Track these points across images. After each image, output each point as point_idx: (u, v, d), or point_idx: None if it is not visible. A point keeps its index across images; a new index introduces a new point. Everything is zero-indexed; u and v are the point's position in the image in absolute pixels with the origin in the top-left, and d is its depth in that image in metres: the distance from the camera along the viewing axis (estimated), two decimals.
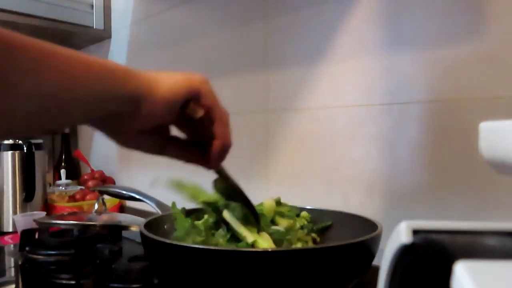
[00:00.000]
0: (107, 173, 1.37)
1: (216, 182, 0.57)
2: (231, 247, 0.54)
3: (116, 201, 1.17)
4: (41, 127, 0.40)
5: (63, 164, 1.40)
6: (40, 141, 1.14)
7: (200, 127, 0.47)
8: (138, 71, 0.42)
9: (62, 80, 0.36)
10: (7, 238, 0.96)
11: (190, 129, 0.49)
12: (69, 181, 1.29)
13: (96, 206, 0.89)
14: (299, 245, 0.58)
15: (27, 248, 0.75)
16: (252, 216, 0.56)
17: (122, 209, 1.22)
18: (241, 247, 0.52)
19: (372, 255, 0.50)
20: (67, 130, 1.45)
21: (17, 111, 0.35)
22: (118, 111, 0.41)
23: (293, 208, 0.65)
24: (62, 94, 0.36)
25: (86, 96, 0.38)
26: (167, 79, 0.43)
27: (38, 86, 0.35)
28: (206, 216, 0.60)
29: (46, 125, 0.40)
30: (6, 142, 1.08)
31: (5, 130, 0.37)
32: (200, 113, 0.45)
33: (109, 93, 0.40)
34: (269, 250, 0.48)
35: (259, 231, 0.55)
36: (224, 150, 0.48)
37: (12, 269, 0.74)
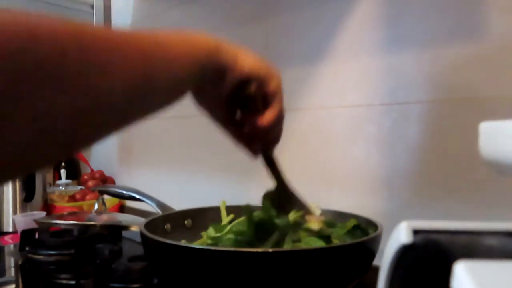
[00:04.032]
0: (107, 173, 1.37)
1: (265, 196, 0.57)
2: (231, 247, 0.54)
3: (116, 201, 1.17)
4: (125, 121, 0.34)
5: (63, 164, 1.40)
6: None
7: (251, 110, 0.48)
8: (222, 42, 0.43)
9: (145, 66, 0.33)
10: (7, 238, 0.96)
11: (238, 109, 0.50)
12: (69, 181, 1.29)
13: (96, 206, 0.89)
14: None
15: (27, 248, 0.75)
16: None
17: (122, 209, 1.22)
18: (242, 248, 0.52)
19: (372, 255, 0.50)
20: None
21: (103, 106, 0.30)
22: (207, 82, 0.43)
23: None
24: (146, 81, 0.33)
25: (182, 76, 0.38)
26: (249, 55, 0.46)
27: (115, 79, 0.30)
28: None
29: (132, 118, 0.35)
30: None
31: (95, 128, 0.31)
32: (253, 89, 0.46)
33: (199, 68, 0.40)
34: (269, 250, 0.48)
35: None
36: (270, 129, 0.48)
37: (12, 269, 0.74)
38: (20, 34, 0.23)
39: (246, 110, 0.49)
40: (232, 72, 0.44)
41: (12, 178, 0.31)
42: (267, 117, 0.47)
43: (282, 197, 0.57)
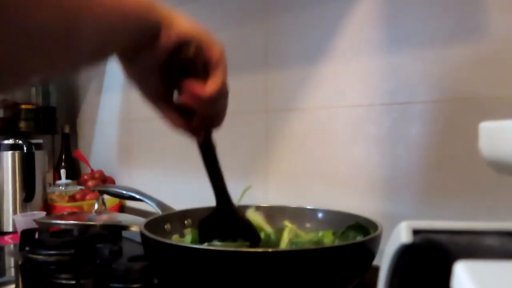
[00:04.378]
0: (107, 173, 1.37)
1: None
2: (232, 247, 0.54)
3: (116, 201, 1.17)
4: (58, 62, 0.33)
5: (63, 164, 1.40)
6: (40, 141, 1.14)
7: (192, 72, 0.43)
8: (159, 5, 0.40)
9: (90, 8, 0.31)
10: (7, 238, 0.96)
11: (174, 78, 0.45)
12: (69, 181, 1.29)
13: (96, 206, 0.89)
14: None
15: (27, 248, 0.75)
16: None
17: (122, 209, 1.22)
18: (242, 248, 0.52)
19: (372, 255, 0.50)
20: (66, 130, 1.45)
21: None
22: (139, 42, 0.40)
23: None
24: (86, 20, 0.32)
25: (110, 25, 0.35)
26: (186, 18, 0.43)
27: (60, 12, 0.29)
28: None
29: (56, 57, 0.33)
30: (6, 142, 1.08)
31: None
32: (192, 51, 0.42)
33: (134, 23, 0.38)
34: (269, 250, 0.48)
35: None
36: (212, 102, 0.43)
37: (12, 269, 0.74)
38: None
39: (184, 79, 0.43)
40: (168, 32, 0.40)
41: None
42: (209, 86, 0.43)
43: (223, 218, 0.52)
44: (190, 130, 0.47)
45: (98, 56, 0.38)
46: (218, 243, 0.54)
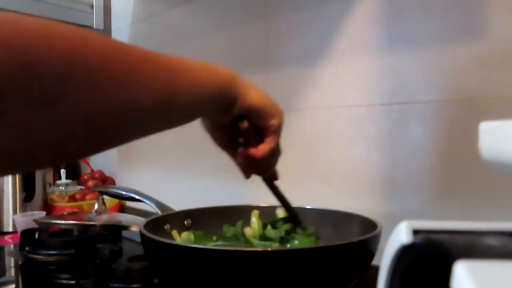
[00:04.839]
0: (107, 173, 1.37)
1: None
2: (232, 247, 0.54)
3: (116, 201, 1.17)
4: (136, 135, 0.38)
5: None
6: None
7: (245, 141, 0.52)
8: (237, 76, 0.47)
9: (167, 85, 0.36)
10: (7, 238, 0.96)
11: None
12: (69, 181, 1.29)
13: (96, 206, 0.89)
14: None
15: (27, 248, 0.75)
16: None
17: (122, 209, 1.22)
18: (241, 247, 0.52)
19: (371, 255, 0.50)
20: None
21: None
22: (218, 109, 0.47)
23: None
24: (166, 97, 0.36)
25: (200, 99, 0.42)
26: (258, 91, 0.50)
27: (133, 92, 0.33)
28: None
29: (151, 128, 0.38)
30: None
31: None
32: (246, 125, 0.50)
33: (218, 96, 0.44)
34: (269, 249, 0.48)
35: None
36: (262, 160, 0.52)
37: (12, 269, 0.74)
38: (75, 41, 0.29)
39: (244, 138, 0.52)
40: (242, 103, 0.47)
41: (45, 166, 0.36)
42: (259, 150, 0.51)
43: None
44: (244, 173, 0.55)
45: (185, 122, 0.43)
46: (221, 243, 0.55)
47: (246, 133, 0.50)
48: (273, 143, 0.51)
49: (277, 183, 0.59)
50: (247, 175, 0.55)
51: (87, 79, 0.29)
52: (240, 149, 0.52)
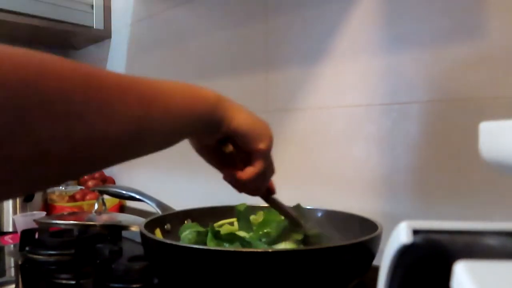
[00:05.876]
0: (107, 173, 1.37)
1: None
2: (232, 247, 0.54)
3: (116, 201, 1.17)
4: (119, 159, 0.37)
5: None
6: None
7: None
8: (223, 98, 0.46)
9: (150, 110, 0.35)
10: (7, 238, 0.96)
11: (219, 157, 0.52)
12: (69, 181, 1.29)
13: (96, 206, 0.89)
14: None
15: (27, 248, 0.75)
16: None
17: (122, 209, 1.22)
18: (242, 248, 0.52)
19: (372, 255, 0.50)
20: None
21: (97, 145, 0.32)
22: (203, 132, 0.46)
23: None
24: (149, 123, 0.36)
25: (181, 126, 0.41)
26: (245, 113, 0.48)
27: (113, 118, 0.32)
28: None
29: (125, 157, 0.37)
30: None
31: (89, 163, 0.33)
32: (230, 148, 0.49)
33: (203, 120, 0.43)
34: (269, 250, 0.48)
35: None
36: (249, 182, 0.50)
37: (12, 269, 0.74)
38: (29, 73, 0.27)
39: (230, 161, 0.51)
40: (228, 125, 0.46)
41: (11, 196, 0.34)
42: (245, 173, 0.49)
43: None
44: (238, 190, 0.54)
45: (167, 146, 0.42)
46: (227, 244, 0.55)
47: (231, 156, 0.49)
48: (260, 167, 0.50)
49: (275, 196, 0.58)
50: (239, 191, 0.53)
51: (48, 111, 0.27)
52: (225, 171, 0.51)
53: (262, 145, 0.49)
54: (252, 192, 0.53)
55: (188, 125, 0.42)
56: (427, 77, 0.64)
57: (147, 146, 0.39)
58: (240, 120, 0.47)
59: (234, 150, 0.49)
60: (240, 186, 0.51)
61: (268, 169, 0.52)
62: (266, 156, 0.50)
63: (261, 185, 0.53)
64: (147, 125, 0.36)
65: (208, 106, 0.44)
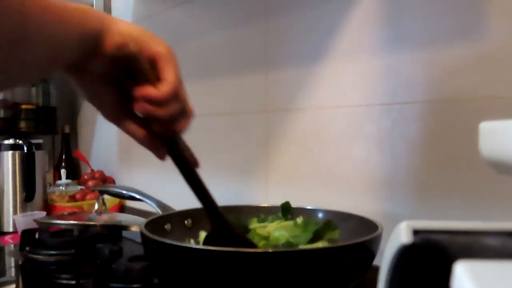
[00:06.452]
0: (107, 173, 1.37)
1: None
2: (232, 247, 0.54)
3: (116, 201, 1.17)
4: None
5: (63, 164, 1.40)
6: (40, 141, 1.14)
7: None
8: (96, 10, 0.40)
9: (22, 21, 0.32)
10: (7, 238, 0.96)
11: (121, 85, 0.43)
12: (69, 181, 1.29)
13: (96, 206, 0.89)
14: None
15: (27, 248, 0.75)
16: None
17: (122, 209, 1.22)
18: (241, 248, 0.52)
19: (372, 255, 0.50)
20: (66, 130, 1.45)
21: None
22: (84, 50, 0.38)
23: None
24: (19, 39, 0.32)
25: (55, 35, 0.35)
26: (124, 22, 0.41)
27: None
28: None
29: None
30: (6, 142, 1.08)
31: None
32: (133, 46, 0.40)
33: (76, 30, 0.37)
34: (270, 250, 0.48)
35: None
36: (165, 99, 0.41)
37: (12, 269, 0.74)
38: None
39: (134, 85, 0.41)
40: (110, 35, 0.39)
41: None
42: (162, 86, 0.41)
43: (222, 236, 0.50)
44: (154, 141, 0.44)
45: (47, 69, 0.38)
46: None
47: (138, 67, 0.40)
48: (172, 74, 0.41)
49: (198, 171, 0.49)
50: (157, 151, 0.44)
51: None
52: (137, 91, 0.40)
53: (161, 47, 0.42)
54: (167, 125, 0.43)
55: (65, 38, 0.36)
56: (427, 77, 0.64)
57: (27, 63, 0.34)
58: (125, 26, 0.41)
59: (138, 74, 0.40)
60: (154, 122, 0.42)
61: (181, 92, 0.43)
62: (175, 61, 0.43)
63: (183, 108, 0.43)
64: (25, 29, 0.32)
65: (79, 14, 0.37)
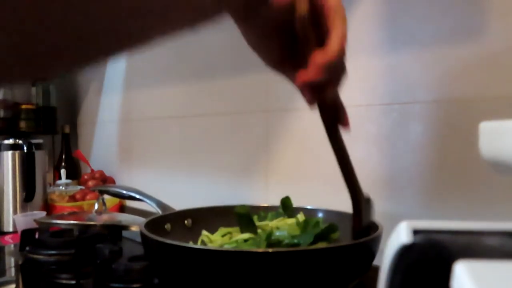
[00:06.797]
0: (107, 173, 1.37)
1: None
2: (232, 247, 0.54)
3: (116, 201, 1.17)
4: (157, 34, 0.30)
5: (63, 164, 1.40)
6: (40, 141, 1.14)
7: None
8: None
9: None
10: (7, 238, 0.96)
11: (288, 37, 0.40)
12: (69, 181, 1.29)
13: (96, 206, 0.89)
14: None
15: (27, 248, 0.75)
16: None
17: (122, 209, 1.22)
18: (241, 248, 0.52)
19: (372, 255, 0.50)
20: (66, 130, 1.45)
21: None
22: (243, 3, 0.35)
23: None
24: None
25: None
26: None
27: None
28: None
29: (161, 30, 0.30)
30: (6, 142, 1.08)
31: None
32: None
33: None
34: (270, 250, 0.48)
35: None
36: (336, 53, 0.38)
37: (12, 269, 0.74)
38: None
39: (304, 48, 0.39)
40: None
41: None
42: (332, 43, 0.38)
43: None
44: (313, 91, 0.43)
45: (212, 13, 0.33)
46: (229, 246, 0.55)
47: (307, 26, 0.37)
48: (343, 31, 0.38)
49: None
50: (311, 99, 0.41)
51: None
52: (304, 55, 0.38)
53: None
54: (331, 86, 0.41)
55: None
56: (427, 77, 0.64)
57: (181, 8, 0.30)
58: None
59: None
60: (322, 75, 0.39)
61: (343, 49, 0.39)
62: (343, 18, 0.38)
63: (341, 73, 0.41)
64: None
65: None
